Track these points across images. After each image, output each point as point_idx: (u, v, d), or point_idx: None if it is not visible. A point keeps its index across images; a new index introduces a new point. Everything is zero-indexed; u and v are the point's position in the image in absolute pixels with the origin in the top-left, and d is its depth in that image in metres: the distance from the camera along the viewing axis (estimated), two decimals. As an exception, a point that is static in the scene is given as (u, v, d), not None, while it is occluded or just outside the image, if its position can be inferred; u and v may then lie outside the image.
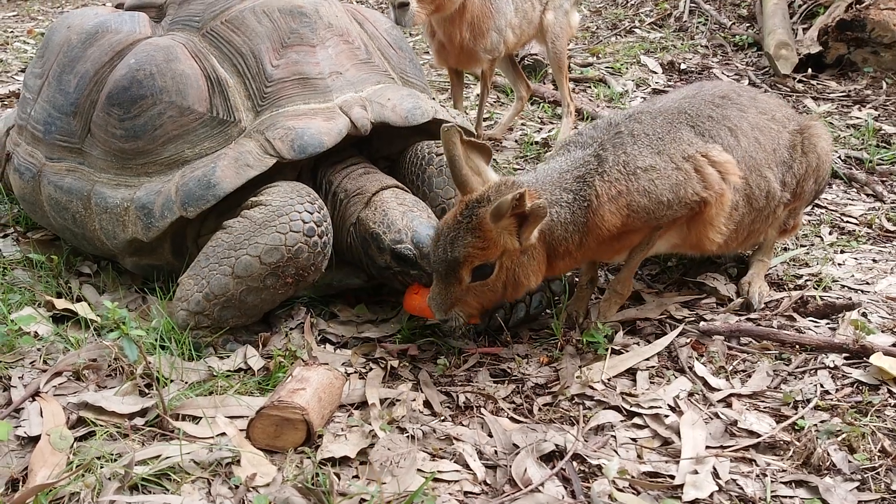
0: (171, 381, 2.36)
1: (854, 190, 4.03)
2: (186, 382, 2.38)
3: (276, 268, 2.45)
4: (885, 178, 4.12)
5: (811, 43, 6.03)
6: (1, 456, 2.06)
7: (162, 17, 3.03)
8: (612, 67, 6.18)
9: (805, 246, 3.37)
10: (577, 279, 2.86)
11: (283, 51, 2.72)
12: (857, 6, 5.89)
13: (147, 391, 2.32)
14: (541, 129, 5.00)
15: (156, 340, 2.47)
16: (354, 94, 2.77)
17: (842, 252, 3.31)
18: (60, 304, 2.69)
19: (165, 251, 2.75)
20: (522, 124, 5.05)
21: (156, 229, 2.60)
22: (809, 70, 5.85)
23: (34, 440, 2.11)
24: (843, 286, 2.99)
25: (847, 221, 3.65)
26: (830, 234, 3.51)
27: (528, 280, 2.43)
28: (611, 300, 2.74)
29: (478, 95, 4.56)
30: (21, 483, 1.98)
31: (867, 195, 3.98)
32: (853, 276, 3.08)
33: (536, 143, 4.66)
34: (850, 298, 2.83)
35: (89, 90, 2.77)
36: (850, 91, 5.57)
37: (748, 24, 7.23)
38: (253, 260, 2.43)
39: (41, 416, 2.20)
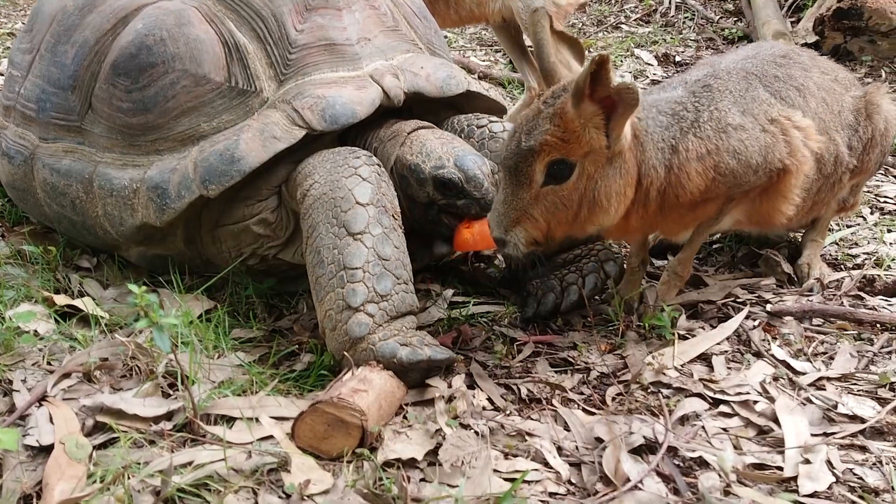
0: (196, 380, 2.08)
1: (880, 173, 3.88)
2: (214, 382, 2.10)
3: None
4: (911, 160, 3.99)
5: (806, 33, 5.93)
6: (9, 469, 1.76)
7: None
8: (606, 60, 6.01)
9: (850, 226, 3.20)
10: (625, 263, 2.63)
11: (306, 14, 2.45)
12: (853, -5, 5.80)
13: (171, 392, 2.04)
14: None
15: (178, 335, 2.18)
16: (385, 62, 2.51)
17: (889, 231, 3.15)
18: (61, 300, 2.38)
19: (178, 239, 2.45)
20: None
21: (171, 212, 2.30)
22: (807, 60, 5.73)
23: (46, 450, 1.81)
24: (902, 265, 2.83)
25: (885, 202, 3.50)
26: (872, 214, 3.35)
27: (609, 201, 2.08)
28: (670, 283, 2.52)
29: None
30: (35, 499, 1.69)
31: (894, 177, 3.85)
32: (908, 254, 2.91)
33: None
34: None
35: (90, 61, 2.46)
36: (851, 79, 5.46)
37: (735, 19, 7.15)
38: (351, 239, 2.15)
39: (51, 422, 1.90)
